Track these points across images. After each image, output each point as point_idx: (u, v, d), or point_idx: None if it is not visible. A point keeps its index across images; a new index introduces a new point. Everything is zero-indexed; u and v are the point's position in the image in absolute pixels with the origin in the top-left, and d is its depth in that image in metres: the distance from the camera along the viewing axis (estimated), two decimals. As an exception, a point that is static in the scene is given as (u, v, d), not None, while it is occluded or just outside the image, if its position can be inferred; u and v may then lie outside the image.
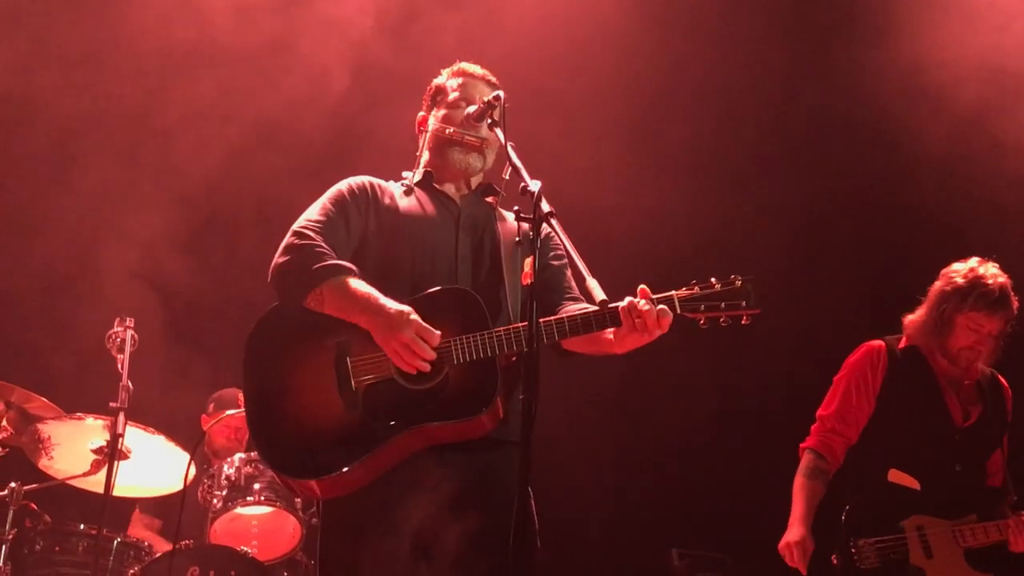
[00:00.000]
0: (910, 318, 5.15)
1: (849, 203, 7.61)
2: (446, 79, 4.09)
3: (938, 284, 5.08)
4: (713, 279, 3.51)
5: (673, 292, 3.50)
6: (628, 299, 3.43)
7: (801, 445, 5.17)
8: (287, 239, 3.69)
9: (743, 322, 3.51)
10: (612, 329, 3.50)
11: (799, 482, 5.08)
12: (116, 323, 5.16)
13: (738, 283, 3.50)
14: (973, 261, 5.06)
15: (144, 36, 6.73)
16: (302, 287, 3.59)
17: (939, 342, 5.04)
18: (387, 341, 3.48)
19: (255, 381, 3.62)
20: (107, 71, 6.77)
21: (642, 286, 3.45)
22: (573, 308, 3.73)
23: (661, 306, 3.41)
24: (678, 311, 3.48)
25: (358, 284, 3.57)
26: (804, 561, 4.90)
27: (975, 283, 4.95)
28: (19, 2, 6.80)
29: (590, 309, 3.54)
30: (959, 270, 5.04)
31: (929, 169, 7.23)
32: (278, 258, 3.67)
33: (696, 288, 3.51)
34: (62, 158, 6.91)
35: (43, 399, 5.49)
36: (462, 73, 4.07)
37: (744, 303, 3.49)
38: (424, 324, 3.48)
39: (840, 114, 7.52)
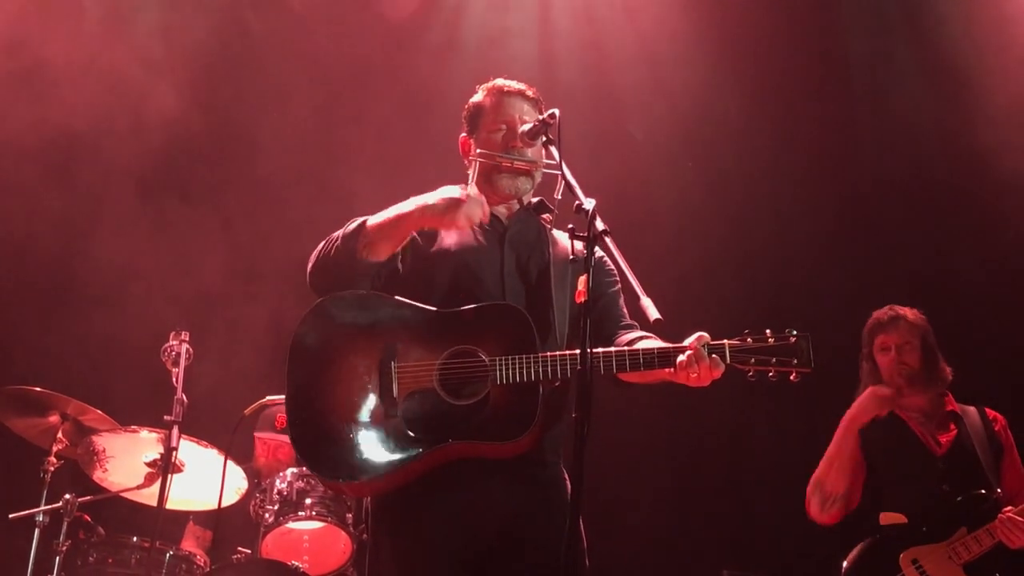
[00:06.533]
0: None
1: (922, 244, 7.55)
2: (483, 98, 3.95)
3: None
4: (768, 331, 3.40)
5: (725, 341, 3.40)
6: (687, 344, 3.36)
7: None
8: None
9: (792, 379, 3.38)
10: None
11: None
12: (171, 336, 5.21)
13: (792, 339, 3.37)
14: None
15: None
16: (346, 244, 3.55)
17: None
18: (451, 210, 3.48)
19: (297, 376, 3.55)
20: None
21: (700, 333, 3.39)
22: (627, 338, 3.68)
23: (714, 355, 3.34)
24: (728, 361, 3.37)
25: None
26: None
27: (870, 322, 5.56)
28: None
29: (643, 346, 3.49)
30: None
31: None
32: (312, 258, 3.64)
33: (749, 340, 3.40)
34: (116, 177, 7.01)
35: (98, 411, 5.54)
36: (498, 91, 3.92)
37: (796, 360, 3.36)
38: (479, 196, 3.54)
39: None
